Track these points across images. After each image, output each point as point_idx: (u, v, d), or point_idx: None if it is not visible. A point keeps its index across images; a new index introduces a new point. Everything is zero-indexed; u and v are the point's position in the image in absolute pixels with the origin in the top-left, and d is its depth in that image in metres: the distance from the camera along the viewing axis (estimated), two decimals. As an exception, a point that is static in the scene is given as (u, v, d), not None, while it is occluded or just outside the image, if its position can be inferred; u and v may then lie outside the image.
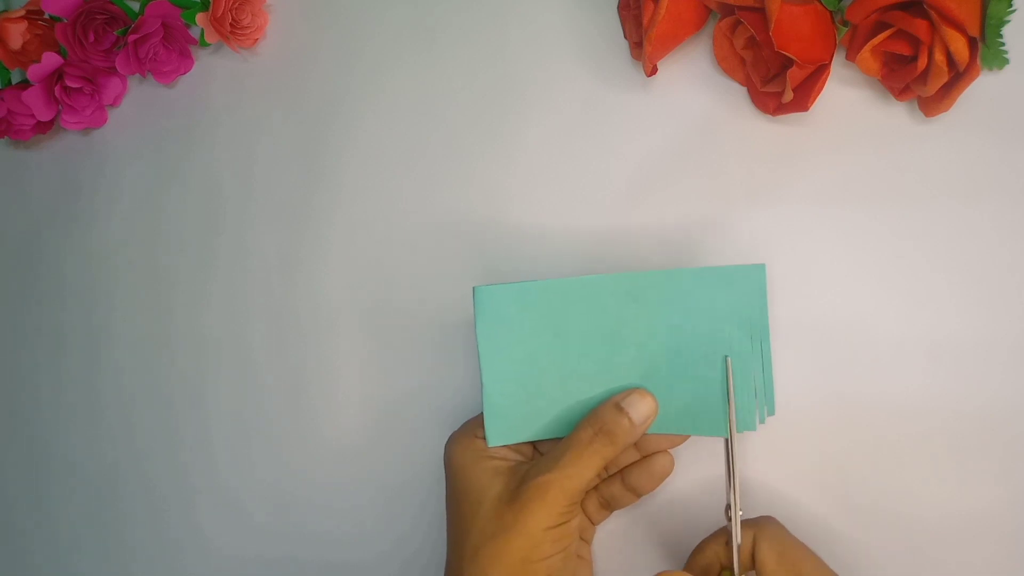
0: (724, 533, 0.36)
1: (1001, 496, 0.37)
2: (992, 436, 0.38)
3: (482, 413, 0.38)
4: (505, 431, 0.37)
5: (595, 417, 0.36)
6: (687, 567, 0.37)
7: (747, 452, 0.40)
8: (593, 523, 0.40)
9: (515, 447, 0.38)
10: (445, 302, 0.45)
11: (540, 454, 0.39)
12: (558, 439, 0.37)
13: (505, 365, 0.37)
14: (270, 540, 0.48)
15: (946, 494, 0.38)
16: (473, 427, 0.38)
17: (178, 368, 0.50)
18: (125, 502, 0.51)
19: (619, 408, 0.36)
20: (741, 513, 0.35)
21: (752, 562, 0.35)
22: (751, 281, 0.36)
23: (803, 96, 0.37)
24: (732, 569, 0.35)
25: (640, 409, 0.36)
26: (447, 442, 0.39)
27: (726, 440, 0.36)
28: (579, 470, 0.35)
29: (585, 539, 0.40)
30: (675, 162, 0.42)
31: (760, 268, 0.36)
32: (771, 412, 0.37)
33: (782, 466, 0.40)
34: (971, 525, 0.38)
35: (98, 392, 0.52)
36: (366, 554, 0.46)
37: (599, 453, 0.35)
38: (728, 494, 0.36)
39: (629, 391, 0.36)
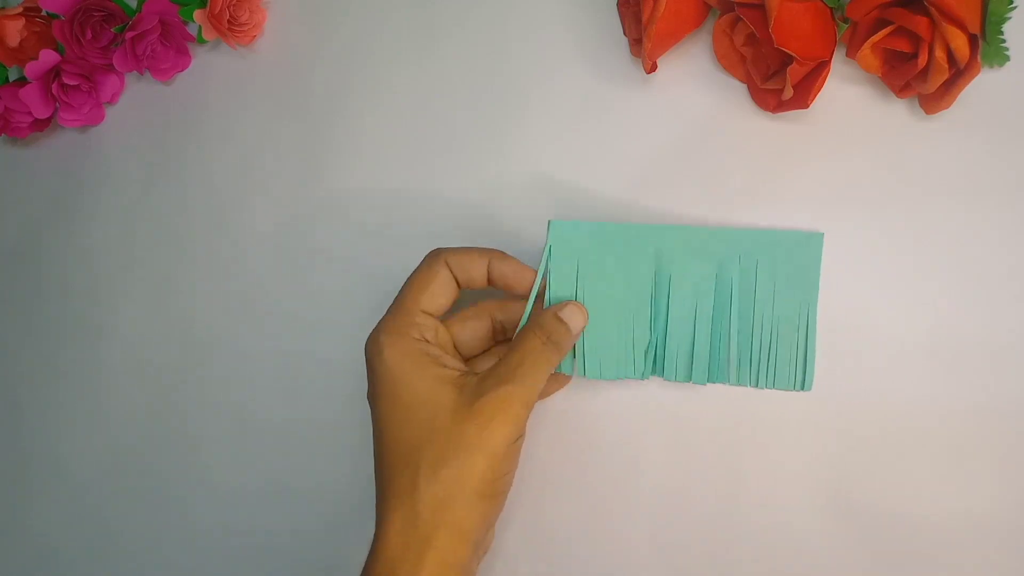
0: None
1: (1001, 496, 0.37)
2: (992, 436, 0.38)
3: (400, 307, 0.36)
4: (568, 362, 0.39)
5: (540, 327, 0.36)
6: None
7: (748, 452, 0.40)
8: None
9: (445, 351, 0.36)
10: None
11: (467, 361, 0.38)
12: (488, 349, 0.39)
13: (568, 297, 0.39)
14: (269, 537, 0.48)
15: (946, 494, 0.38)
16: (402, 325, 0.35)
17: (175, 365, 0.50)
18: (121, 499, 0.51)
19: (559, 318, 0.37)
20: None
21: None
22: (807, 248, 0.38)
23: (803, 93, 0.37)
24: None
25: (577, 320, 0.37)
26: (371, 340, 0.35)
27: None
28: (537, 378, 0.35)
29: None
30: (675, 159, 0.42)
31: (818, 236, 0.38)
32: (807, 387, 0.38)
33: (782, 465, 0.40)
34: (971, 525, 0.38)
35: (95, 389, 0.52)
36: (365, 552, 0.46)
37: (549, 361, 0.36)
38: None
39: (565, 303, 0.37)
